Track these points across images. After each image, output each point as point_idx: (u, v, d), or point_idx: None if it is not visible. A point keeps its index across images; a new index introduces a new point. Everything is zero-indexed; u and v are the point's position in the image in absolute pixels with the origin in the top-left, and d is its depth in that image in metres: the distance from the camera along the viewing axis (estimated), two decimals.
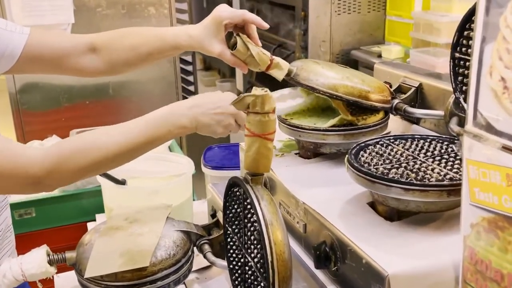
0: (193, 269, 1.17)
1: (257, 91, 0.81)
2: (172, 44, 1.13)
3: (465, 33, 0.97)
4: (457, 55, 1.00)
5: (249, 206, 0.85)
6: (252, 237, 0.85)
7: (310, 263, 0.97)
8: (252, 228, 0.85)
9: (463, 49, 0.99)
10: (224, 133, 1.00)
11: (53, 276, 1.17)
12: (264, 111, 0.81)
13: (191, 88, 3.93)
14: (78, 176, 0.93)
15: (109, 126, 0.95)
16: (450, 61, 1.01)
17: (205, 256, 1.13)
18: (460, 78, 1.01)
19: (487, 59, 0.63)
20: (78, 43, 1.16)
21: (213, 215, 1.29)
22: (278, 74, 1.11)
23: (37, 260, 1.04)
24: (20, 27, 1.12)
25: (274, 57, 1.11)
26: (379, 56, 2.55)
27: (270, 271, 0.78)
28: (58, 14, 2.28)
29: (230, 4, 3.55)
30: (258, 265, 0.84)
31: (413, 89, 1.23)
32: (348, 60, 2.76)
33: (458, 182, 0.82)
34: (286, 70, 1.12)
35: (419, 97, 1.24)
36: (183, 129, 0.97)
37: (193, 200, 1.61)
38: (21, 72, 1.17)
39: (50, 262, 1.05)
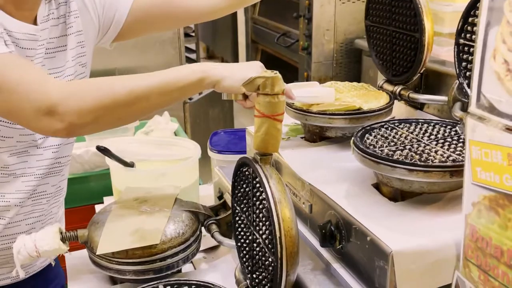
0: (201, 249, 1.21)
1: (267, 73, 0.84)
2: None
3: (470, 19, 1.00)
4: (461, 41, 1.02)
5: (258, 185, 0.88)
6: (261, 215, 0.88)
7: (315, 242, 1.00)
8: (260, 206, 0.88)
9: (468, 35, 1.01)
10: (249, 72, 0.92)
11: (65, 255, 1.20)
12: (274, 93, 0.84)
13: None
14: (97, 109, 0.90)
15: None
16: (454, 47, 1.03)
17: (212, 236, 1.16)
18: (464, 64, 1.03)
19: (491, 42, 0.65)
20: None
21: (220, 196, 1.32)
22: None
23: (50, 237, 1.07)
24: None
25: None
26: None
27: (278, 246, 0.81)
28: None
29: None
30: (267, 241, 0.87)
31: (417, 75, 1.26)
32: (352, 49, 2.78)
33: (460, 163, 0.84)
34: None
35: (423, 83, 1.26)
36: (208, 73, 0.93)
37: (199, 184, 1.64)
38: (126, 37, 1.21)
39: (63, 240, 1.09)
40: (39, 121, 0.89)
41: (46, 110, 0.88)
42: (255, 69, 0.94)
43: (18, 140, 1.07)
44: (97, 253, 1.07)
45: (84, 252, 1.18)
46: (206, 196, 1.55)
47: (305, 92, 1.12)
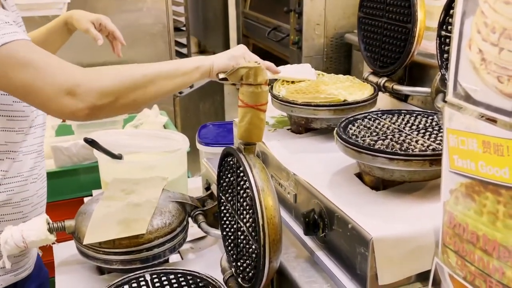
0: (188, 239, 1.22)
1: (250, 63, 0.85)
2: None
3: (451, 11, 1.01)
4: (443, 33, 1.04)
5: (242, 174, 0.89)
6: (245, 203, 0.90)
7: (299, 231, 1.02)
8: (244, 195, 0.90)
9: (449, 27, 1.02)
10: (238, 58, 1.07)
11: (52, 246, 1.21)
12: (257, 83, 0.85)
13: None
14: (117, 91, 0.95)
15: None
16: (436, 39, 1.05)
17: (199, 226, 1.18)
18: (445, 55, 1.05)
19: (466, 32, 0.67)
20: None
21: (207, 188, 1.33)
22: None
23: (37, 228, 1.08)
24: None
25: None
26: None
27: (261, 233, 0.83)
28: None
29: None
30: (250, 229, 0.88)
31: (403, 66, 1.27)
32: (342, 44, 2.79)
33: (439, 152, 0.86)
34: None
35: (408, 75, 1.28)
36: (203, 62, 1.04)
37: (188, 177, 1.65)
38: None
39: (50, 230, 1.10)
40: (60, 100, 0.92)
41: (69, 90, 0.91)
42: (239, 48, 1.09)
43: (32, 120, 1.18)
44: (84, 243, 1.08)
45: (71, 243, 1.19)
46: (195, 189, 1.56)
47: (288, 67, 1.22)
